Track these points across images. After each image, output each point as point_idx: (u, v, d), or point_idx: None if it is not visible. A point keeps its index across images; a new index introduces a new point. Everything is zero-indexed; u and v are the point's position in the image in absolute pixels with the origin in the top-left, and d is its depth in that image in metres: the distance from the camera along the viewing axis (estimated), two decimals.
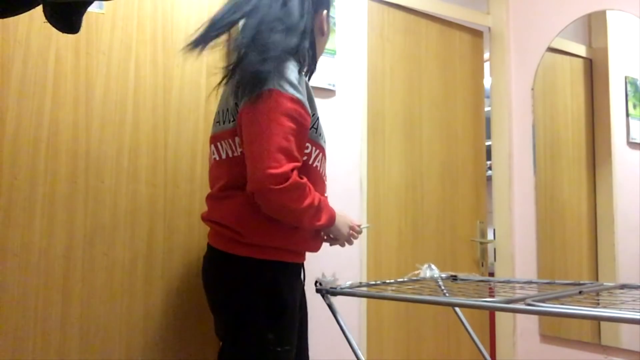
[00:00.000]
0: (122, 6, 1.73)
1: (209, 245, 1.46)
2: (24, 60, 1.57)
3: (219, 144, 1.43)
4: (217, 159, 1.44)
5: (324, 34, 1.51)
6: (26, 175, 1.55)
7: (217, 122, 1.47)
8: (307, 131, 1.35)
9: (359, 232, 1.55)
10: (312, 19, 1.44)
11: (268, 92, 1.27)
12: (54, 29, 0.90)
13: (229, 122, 1.40)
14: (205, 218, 1.46)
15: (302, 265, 1.52)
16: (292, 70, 1.31)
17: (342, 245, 1.55)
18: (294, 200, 1.28)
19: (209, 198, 1.46)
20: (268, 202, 1.28)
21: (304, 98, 1.33)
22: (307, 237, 1.44)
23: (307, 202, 1.30)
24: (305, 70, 1.41)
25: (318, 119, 1.44)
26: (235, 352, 1.37)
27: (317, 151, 1.44)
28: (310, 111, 1.35)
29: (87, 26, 1.66)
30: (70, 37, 1.60)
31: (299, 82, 1.33)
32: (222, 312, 1.42)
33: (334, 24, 2.09)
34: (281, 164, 1.24)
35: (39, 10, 0.89)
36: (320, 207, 1.37)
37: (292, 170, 1.27)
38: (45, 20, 0.88)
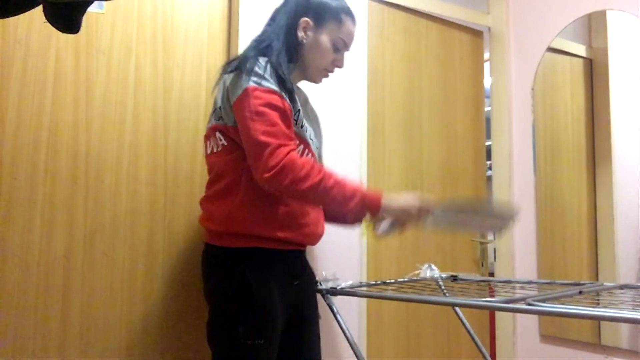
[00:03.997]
0: (122, 6, 1.73)
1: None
2: (24, 60, 1.57)
3: None
4: None
5: (299, 39, 1.51)
6: (26, 175, 1.55)
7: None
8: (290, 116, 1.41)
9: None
10: (293, 25, 1.51)
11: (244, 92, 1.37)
12: (54, 29, 0.90)
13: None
14: None
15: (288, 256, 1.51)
16: (258, 65, 1.40)
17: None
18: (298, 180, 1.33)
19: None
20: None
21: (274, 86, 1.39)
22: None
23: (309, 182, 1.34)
24: (281, 65, 1.44)
25: (299, 111, 1.48)
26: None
27: (302, 146, 1.47)
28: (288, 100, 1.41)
29: (87, 26, 1.66)
30: (70, 37, 1.60)
31: (268, 73, 1.39)
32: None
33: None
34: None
35: (39, 10, 0.89)
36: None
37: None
38: (45, 20, 0.88)
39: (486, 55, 2.72)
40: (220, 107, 1.46)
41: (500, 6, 2.65)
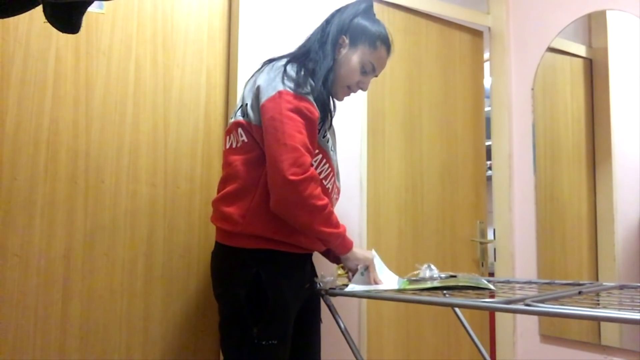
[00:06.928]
0: (122, 6, 1.73)
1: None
2: (24, 60, 1.57)
3: None
4: None
5: (334, 56, 1.54)
6: (26, 175, 1.55)
7: None
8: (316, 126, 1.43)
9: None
10: (337, 40, 1.54)
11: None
12: (54, 29, 0.90)
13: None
14: None
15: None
16: (296, 71, 1.43)
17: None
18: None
19: None
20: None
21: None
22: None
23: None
24: (319, 76, 1.47)
25: (323, 122, 1.49)
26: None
27: (320, 156, 1.47)
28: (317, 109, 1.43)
29: (87, 26, 1.67)
30: (70, 37, 1.61)
31: (305, 81, 1.41)
32: None
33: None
34: None
35: (39, 10, 0.89)
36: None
37: None
38: (45, 20, 0.89)
39: (486, 55, 2.72)
40: (247, 104, 1.46)
41: (500, 6, 2.65)
